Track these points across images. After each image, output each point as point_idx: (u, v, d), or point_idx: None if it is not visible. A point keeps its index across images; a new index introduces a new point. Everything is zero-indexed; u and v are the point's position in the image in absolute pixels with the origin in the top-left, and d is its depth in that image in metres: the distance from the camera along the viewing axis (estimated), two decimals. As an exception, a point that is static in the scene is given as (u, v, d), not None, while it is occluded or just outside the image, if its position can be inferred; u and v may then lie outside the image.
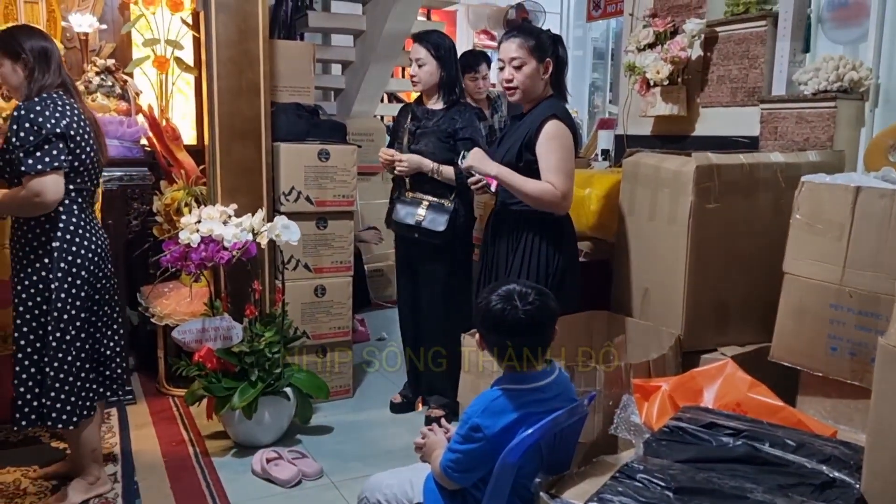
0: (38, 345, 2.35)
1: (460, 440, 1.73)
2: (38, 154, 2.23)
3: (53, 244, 2.33)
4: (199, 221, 2.84)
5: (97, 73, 3.82)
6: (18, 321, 2.35)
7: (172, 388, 3.50)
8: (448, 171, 3.02)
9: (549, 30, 2.73)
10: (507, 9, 7.04)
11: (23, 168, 2.22)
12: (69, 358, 2.35)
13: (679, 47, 3.18)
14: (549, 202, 2.48)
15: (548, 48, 2.52)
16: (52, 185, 2.25)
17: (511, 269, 2.56)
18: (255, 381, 2.87)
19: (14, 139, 2.24)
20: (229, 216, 2.91)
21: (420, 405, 3.38)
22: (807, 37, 2.95)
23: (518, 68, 2.50)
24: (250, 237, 2.87)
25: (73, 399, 2.36)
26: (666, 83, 3.27)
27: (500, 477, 1.64)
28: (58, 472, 2.65)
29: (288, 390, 2.99)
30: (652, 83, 3.31)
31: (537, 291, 1.78)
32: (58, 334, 2.33)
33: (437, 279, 3.15)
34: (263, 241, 2.91)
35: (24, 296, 2.34)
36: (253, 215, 2.94)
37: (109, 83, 3.83)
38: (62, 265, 2.34)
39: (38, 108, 2.26)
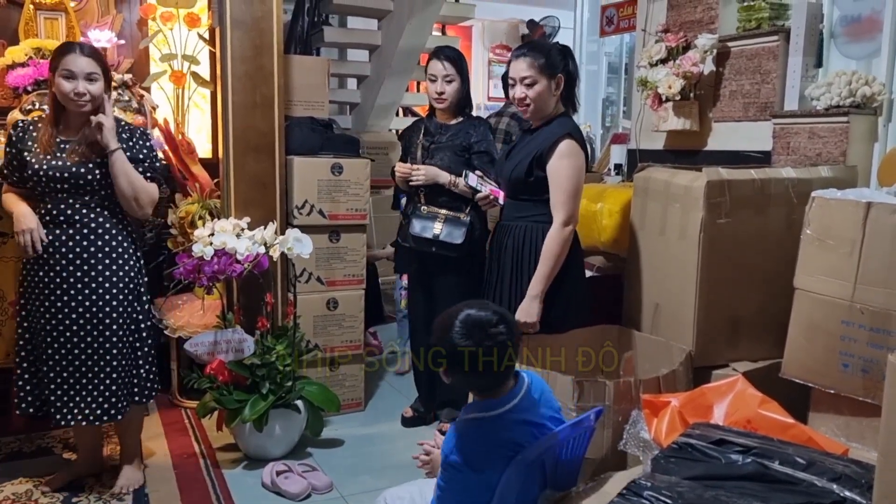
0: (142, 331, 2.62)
1: (443, 477, 1.69)
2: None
3: (132, 245, 2.63)
4: (212, 234, 2.86)
5: (114, 88, 3.86)
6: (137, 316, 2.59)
7: (185, 400, 3.52)
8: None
9: (557, 43, 2.73)
10: (518, 23, 7.08)
11: (155, 175, 2.60)
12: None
13: (691, 62, 3.18)
14: (565, 241, 2.50)
15: (558, 64, 2.53)
16: None
17: (516, 282, 2.57)
18: (266, 394, 2.88)
19: (142, 154, 2.55)
20: (242, 229, 2.93)
21: (432, 419, 3.38)
22: (819, 52, 2.94)
23: (530, 86, 2.51)
24: (262, 250, 2.89)
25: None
26: (678, 98, 3.27)
27: (505, 493, 1.64)
28: (64, 482, 2.69)
29: (299, 403, 2.99)
30: (664, 98, 3.31)
31: (498, 315, 1.68)
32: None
33: (453, 292, 3.12)
34: (275, 255, 2.93)
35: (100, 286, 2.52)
36: (265, 228, 2.96)
37: (126, 98, 3.88)
38: (136, 261, 2.63)
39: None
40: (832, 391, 2.06)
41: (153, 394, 2.70)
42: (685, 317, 2.50)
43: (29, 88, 3.76)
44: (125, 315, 2.54)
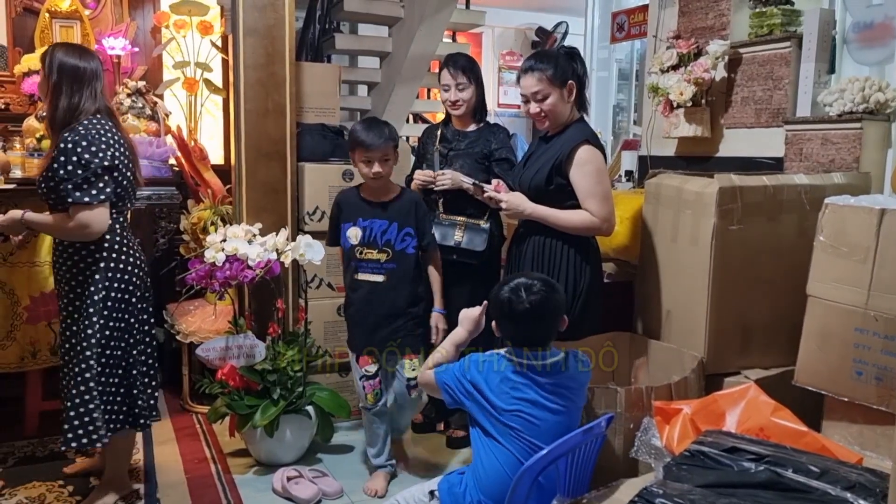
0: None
1: (456, 367, 2.04)
2: (86, 187, 2.26)
3: (100, 265, 2.39)
4: (224, 240, 2.87)
5: (128, 95, 3.90)
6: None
7: (196, 406, 3.53)
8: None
9: (563, 47, 2.71)
10: (527, 29, 7.08)
11: (70, 200, 2.26)
12: (97, 373, 2.40)
13: (702, 69, 3.17)
14: (590, 229, 2.51)
15: (567, 71, 2.51)
16: (98, 218, 2.30)
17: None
18: (277, 400, 2.88)
19: (61, 171, 2.26)
20: (254, 235, 2.94)
21: (441, 426, 3.37)
22: (832, 58, 2.93)
23: (543, 100, 2.50)
24: (274, 256, 2.89)
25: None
26: (689, 104, 3.26)
27: (516, 500, 1.64)
28: (81, 470, 2.75)
29: (310, 409, 3.00)
30: (675, 104, 3.30)
31: (543, 282, 1.99)
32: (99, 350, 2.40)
33: (469, 300, 3.10)
34: (287, 261, 2.93)
35: (69, 314, 2.42)
36: (277, 234, 2.97)
37: (140, 105, 3.91)
38: (107, 283, 2.39)
39: (83, 142, 2.28)
40: (846, 399, 2.05)
41: (146, 421, 2.54)
42: (697, 324, 2.49)
43: (44, 96, 3.79)
44: (104, 331, 2.39)
